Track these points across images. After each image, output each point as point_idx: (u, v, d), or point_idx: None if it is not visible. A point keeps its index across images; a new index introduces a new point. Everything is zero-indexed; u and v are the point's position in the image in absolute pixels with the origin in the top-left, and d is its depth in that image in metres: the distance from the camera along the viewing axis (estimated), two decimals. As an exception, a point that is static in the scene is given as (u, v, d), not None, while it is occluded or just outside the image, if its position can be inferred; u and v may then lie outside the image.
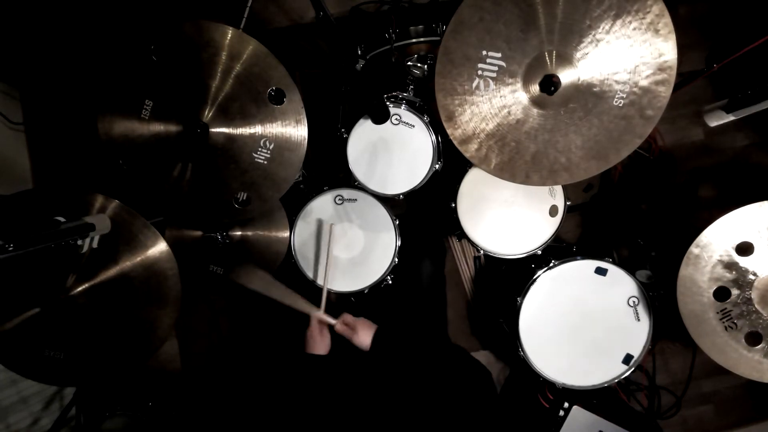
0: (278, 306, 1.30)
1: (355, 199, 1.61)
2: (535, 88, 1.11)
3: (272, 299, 1.27)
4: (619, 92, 1.08)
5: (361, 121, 1.53)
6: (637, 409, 1.93)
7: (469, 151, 1.18)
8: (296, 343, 1.29)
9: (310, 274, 1.62)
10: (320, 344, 1.24)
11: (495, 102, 1.13)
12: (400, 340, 1.22)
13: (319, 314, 1.26)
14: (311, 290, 1.62)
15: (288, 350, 1.33)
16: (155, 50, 1.14)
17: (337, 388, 1.10)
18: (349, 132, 1.54)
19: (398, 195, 1.58)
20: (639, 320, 1.53)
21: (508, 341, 1.61)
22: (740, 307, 1.35)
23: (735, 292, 1.35)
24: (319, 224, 1.60)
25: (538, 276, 1.53)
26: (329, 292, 1.38)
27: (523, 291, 1.53)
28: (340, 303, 1.83)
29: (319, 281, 1.58)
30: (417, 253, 1.73)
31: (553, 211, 1.60)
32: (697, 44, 1.96)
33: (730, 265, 1.34)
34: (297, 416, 1.07)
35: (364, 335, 1.20)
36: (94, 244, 1.14)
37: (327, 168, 1.94)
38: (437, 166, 1.57)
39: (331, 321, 1.25)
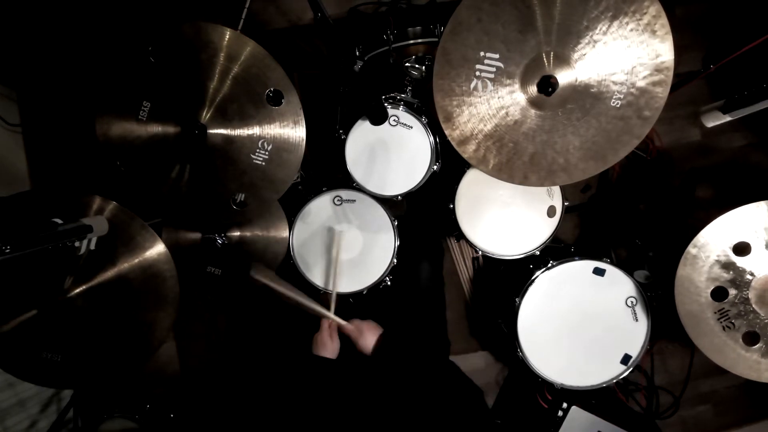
0: (281, 307, 1.30)
1: (354, 200, 1.61)
2: (533, 89, 1.12)
3: (287, 301, 1.30)
4: (616, 93, 1.08)
5: (360, 122, 1.53)
6: (635, 410, 1.93)
7: (467, 151, 1.18)
8: (303, 344, 1.31)
9: (308, 275, 1.62)
10: (330, 348, 1.28)
11: (493, 103, 1.13)
12: (401, 349, 1.26)
13: (331, 316, 1.31)
14: (310, 291, 1.62)
15: (295, 351, 1.36)
16: (153, 51, 1.14)
17: (341, 392, 1.11)
18: (347, 133, 1.53)
19: (396, 196, 1.58)
20: (637, 320, 1.53)
21: (507, 342, 1.61)
22: (738, 307, 1.36)
23: (732, 292, 1.35)
24: (330, 231, 1.61)
25: (537, 276, 1.53)
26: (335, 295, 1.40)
27: (521, 291, 1.53)
28: (340, 304, 1.82)
29: (329, 286, 1.60)
30: (415, 256, 1.73)
31: (551, 211, 1.60)
32: (695, 45, 1.97)
33: (728, 265, 1.35)
34: (298, 417, 1.07)
35: (369, 338, 1.26)
36: (92, 246, 1.14)
37: (325, 169, 1.94)
38: (435, 167, 1.57)
39: (342, 322, 1.30)
